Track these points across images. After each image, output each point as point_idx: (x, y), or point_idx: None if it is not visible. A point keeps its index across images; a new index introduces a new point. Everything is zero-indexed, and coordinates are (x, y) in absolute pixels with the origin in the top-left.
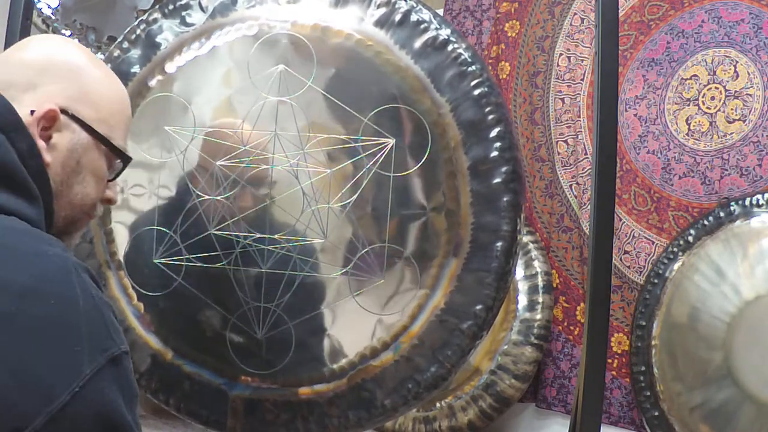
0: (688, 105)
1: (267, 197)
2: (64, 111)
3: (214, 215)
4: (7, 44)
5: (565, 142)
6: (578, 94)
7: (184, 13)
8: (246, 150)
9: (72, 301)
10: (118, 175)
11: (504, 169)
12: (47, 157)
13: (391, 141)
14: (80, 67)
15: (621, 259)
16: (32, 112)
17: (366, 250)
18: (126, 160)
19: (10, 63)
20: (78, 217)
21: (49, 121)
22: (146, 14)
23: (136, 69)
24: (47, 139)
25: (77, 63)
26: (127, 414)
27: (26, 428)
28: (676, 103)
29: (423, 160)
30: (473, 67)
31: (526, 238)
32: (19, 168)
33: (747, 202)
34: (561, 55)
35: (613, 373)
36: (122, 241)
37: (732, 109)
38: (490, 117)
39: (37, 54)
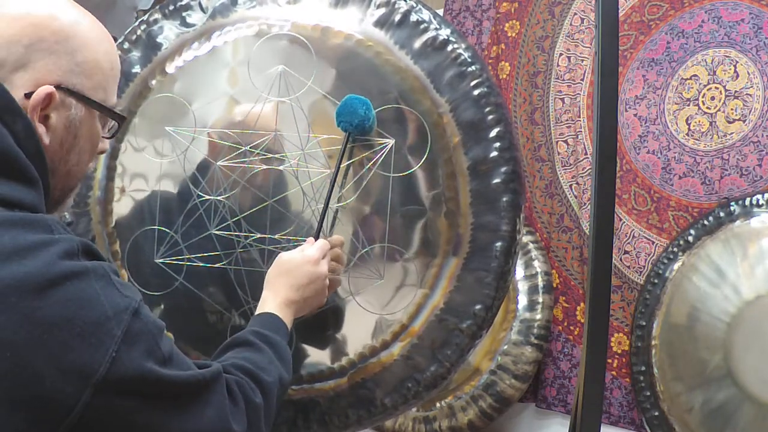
0: (688, 105)
1: (267, 197)
2: (60, 88)
3: (215, 215)
4: None
5: (565, 142)
6: (578, 94)
7: (184, 14)
8: (246, 150)
9: (86, 278)
10: (114, 135)
11: (504, 169)
12: (46, 140)
13: (391, 141)
14: (69, 35)
15: (621, 259)
16: (27, 95)
17: (366, 249)
18: (121, 120)
19: None
20: (74, 184)
21: (46, 102)
22: (146, 15)
23: (137, 69)
24: (45, 120)
25: (66, 30)
26: (160, 369)
27: (76, 405)
28: (676, 103)
29: (423, 161)
30: (473, 68)
31: (526, 238)
32: (16, 152)
33: (747, 202)
34: (561, 55)
35: (613, 373)
36: (123, 241)
37: (732, 109)
38: (490, 117)
39: (22, 25)
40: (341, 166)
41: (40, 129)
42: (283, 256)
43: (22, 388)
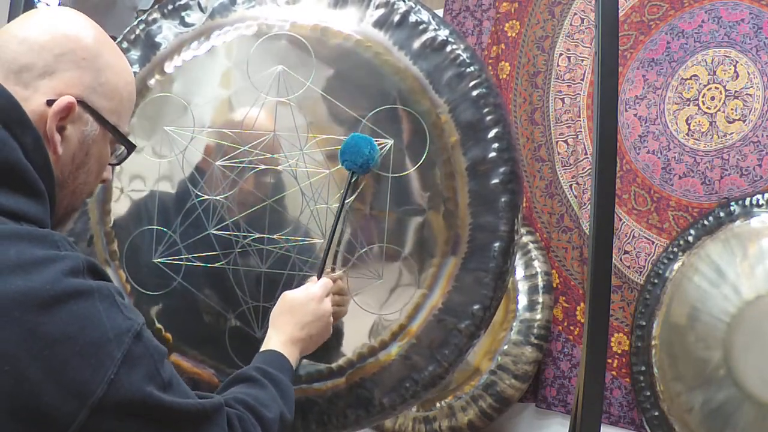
0: (688, 105)
1: (266, 197)
2: (80, 102)
3: (213, 215)
4: None
5: (565, 142)
6: (578, 94)
7: (183, 14)
8: (245, 150)
9: (90, 298)
10: (121, 161)
11: (502, 169)
12: (59, 150)
13: (390, 141)
14: (97, 54)
15: (621, 259)
16: (49, 102)
17: (364, 250)
18: (131, 148)
19: (23, 41)
20: (77, 205)
21: (66, 112)
22: (146, 14)
23: (135, 69)
24: (61, 131)
25: (95, 48)
26: (161, 394)
27: (72, 424)
28: (676, 103)
29: (421, 161)
30: (472, 68)
31: (526, 238)
32: (24, 164)
33: (747, 202)
34: (561, 55)
35: (613, 373)
36: (122, 240)
37: (732, 109)
38: (489, 118)
39: (55, 35)
40: (347, 202)
41: (56, 138)
42: (287, 295)
43: (20, 402)
